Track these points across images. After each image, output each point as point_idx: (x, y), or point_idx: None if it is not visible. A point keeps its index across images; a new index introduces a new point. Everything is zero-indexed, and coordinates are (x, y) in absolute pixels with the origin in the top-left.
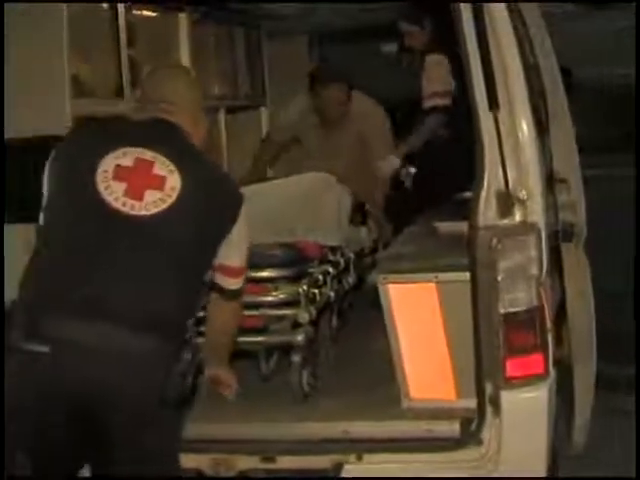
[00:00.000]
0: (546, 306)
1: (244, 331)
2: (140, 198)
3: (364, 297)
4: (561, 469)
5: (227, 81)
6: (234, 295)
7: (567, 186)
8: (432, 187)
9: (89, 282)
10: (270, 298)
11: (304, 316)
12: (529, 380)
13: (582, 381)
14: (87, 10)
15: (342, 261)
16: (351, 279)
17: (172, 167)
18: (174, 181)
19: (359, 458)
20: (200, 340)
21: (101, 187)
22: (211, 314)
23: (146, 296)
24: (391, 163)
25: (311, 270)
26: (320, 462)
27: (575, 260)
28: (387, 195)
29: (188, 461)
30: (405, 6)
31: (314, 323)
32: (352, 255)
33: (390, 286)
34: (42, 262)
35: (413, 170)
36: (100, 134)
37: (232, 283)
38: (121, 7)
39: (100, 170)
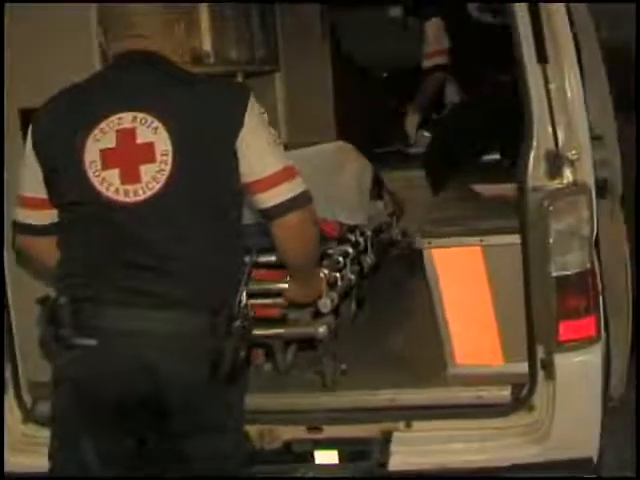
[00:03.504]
0: (597, 267)
1: (258, 322)
2: (137, 179)
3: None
4: None
5: (244, 46)
6: (289, 207)
7: (603, 142)
8: (450, 152)
9: (126, 275)
10: (287, 285)
11: (325, 304)
12: (582, 343)
13: (618, 335)
14: None
15: (362, 240)
16: (370, 259)
17: (155, 122)
18: (162, 142)
19: (408, 426)
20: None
21: (96, 183)
22: (277, 246)
23: (185, 273)
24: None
25: (330, 252)
26: (369, 430)
27: (609, 217)
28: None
29: None
30: None
31: (335, 311)
32: (370, 233)
33: (434, 250)
34: (72, 260)
35: (427, 134)
36: (73, 108)
37: (277, 194)
38: None
39: (88, 162)
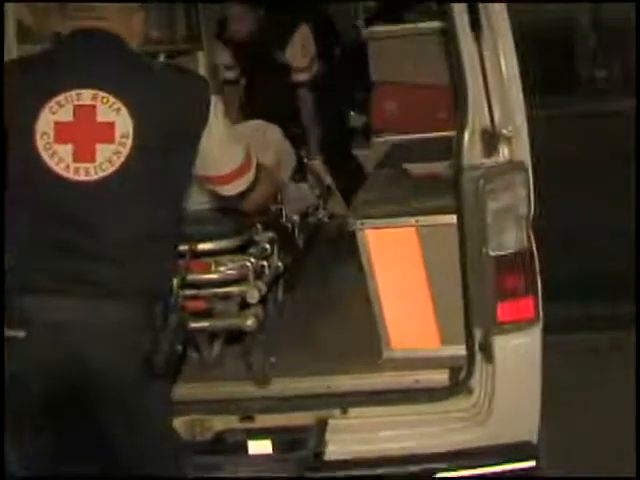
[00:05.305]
0: (534, 247)
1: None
2: (92, 158)
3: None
4: None
5: (165, 26)
6: (248, 191)
7: None
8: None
9: (60, 258)
10: (215, 275)
11: (253, 294)
12: (520, 325)
13: None
14: None
15: (289, 225)
16: (298, 245)
17: (117, 104)
18: (123, 124)
19: (344, 412)
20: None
21: (46, 156)
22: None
23: (125, 260)
24: None
25: (256, 239)
26: (303, 418)
27: None
28: None
29: None
30: None
31: (263, 301)
32: (296, 217)
33: (368, 232)
34: (8, 243)
35: None
36: (25, 78)
37: (229, 189)
38: None
39: (39, 133)
